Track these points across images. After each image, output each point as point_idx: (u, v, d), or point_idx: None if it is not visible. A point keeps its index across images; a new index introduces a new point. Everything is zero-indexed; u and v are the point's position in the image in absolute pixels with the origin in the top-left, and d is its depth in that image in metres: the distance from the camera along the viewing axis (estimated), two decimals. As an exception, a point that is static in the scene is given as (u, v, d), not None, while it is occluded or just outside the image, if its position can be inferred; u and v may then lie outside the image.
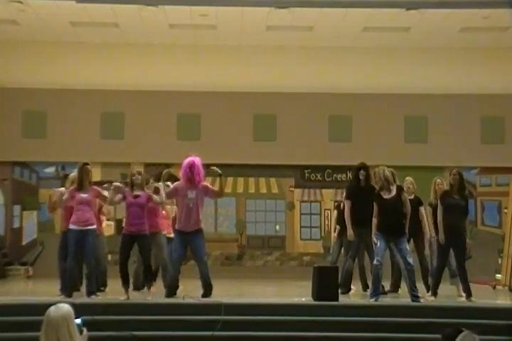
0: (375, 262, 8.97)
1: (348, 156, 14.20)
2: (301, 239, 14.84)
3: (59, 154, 14.16)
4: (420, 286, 9.56)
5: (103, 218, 10.55)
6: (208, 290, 9.06)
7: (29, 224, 14.54)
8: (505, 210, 13.30)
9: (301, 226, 14.86)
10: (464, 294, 9.39)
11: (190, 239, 9.17)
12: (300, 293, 9.62)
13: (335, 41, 14.24)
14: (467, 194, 9.85)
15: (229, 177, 14.72)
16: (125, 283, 8.92)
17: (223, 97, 14.42)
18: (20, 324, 7.56)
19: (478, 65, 14.49)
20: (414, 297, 8.87)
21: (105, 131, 14.40)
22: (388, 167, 9.48)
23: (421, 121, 14.63)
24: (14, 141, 14.22)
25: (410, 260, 8.95)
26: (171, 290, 9.15)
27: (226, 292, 10.05)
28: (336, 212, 11.23)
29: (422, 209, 10.09)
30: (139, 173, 9.22)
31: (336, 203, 11.91)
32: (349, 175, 14.43)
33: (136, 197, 8.98)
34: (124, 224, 9.13)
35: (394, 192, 9.10)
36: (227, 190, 14.73)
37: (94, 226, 9.15)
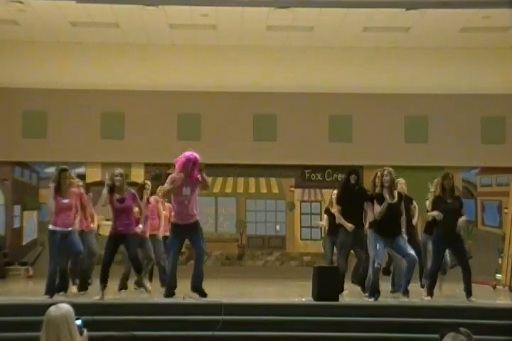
0: (376, 265, 8.88)
1: (348, 156, 14.22)
2: (301, 239, 14.84)
3: (59, 154, 14.15)
4: (416, 285, 9.74)
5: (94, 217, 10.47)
6: (198, 283, 8.96)
7: (29, 224, 14.54)
8: (506, 210, 13.30)
9: (301, 226, 14.86)
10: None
11: (187, 232, 9.16)
12: (300, 293, 9.61)
13: (335, 41, 14.24)
14: (458, 194, 9.77)
15: (229, 177, 14.77)
16: (103, 282, 8.84)
17: (223, 97, 14.43)
18: (20, 324, 7.55)
19: (478, 65, 14.49)
20: (405, 292, 8.98)
21: (105, 131, 14.40)
22: (389, 167, 9.44)
23: (421, 121, 14.63)
24: (14, 141, 14.23)
25: (412, 252, 8.97)
26: (170, 288, 9.09)
27: (226, 292, 10.05)
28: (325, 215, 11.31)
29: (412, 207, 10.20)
30: (121, 175, 9.10)
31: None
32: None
33: (122, 201, 8.97)
34: (110, 228, 9.11)
35: (396, 197, 9.07)
36: (228, 190, 14.77)
37: (73, 227, 9.09)
